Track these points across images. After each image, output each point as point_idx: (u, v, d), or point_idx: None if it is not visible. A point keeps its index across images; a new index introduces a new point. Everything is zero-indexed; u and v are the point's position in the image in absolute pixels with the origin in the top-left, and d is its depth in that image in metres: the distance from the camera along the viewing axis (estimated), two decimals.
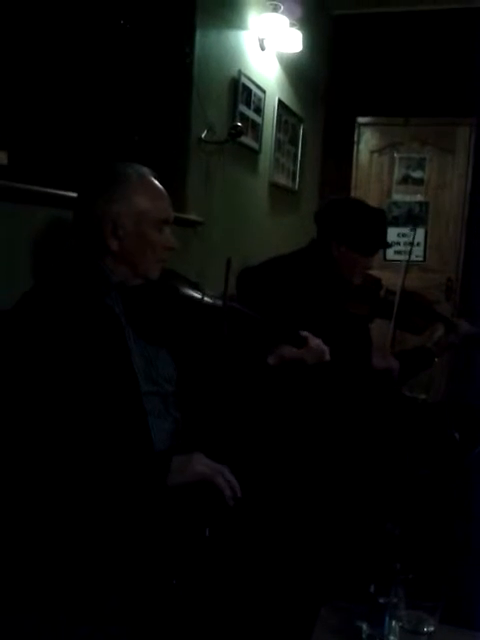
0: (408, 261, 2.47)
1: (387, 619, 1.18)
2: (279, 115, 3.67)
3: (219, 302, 1.50)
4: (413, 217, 4.55)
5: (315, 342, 1.67)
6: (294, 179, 4.10)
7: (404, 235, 4.54)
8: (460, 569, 1.33)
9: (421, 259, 4.44)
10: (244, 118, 3.14)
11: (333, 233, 2.15)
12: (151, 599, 1.22)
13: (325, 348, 1.69)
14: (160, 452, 1.38)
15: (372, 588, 1.19)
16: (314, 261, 2.15)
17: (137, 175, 1.46)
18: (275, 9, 3.21)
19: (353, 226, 2.13)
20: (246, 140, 3.19)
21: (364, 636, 1.20)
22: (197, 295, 1.54)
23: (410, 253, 2.63)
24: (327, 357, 1.70)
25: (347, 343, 1.95)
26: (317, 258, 2.15)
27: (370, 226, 2.15)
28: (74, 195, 1.55)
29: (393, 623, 1.18)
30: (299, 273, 2.09)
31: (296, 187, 4.12)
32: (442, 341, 2.35)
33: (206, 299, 1.52)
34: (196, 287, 1.58)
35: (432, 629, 1.15)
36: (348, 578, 1.31)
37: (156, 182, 1.50)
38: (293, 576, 1.34)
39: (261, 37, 3.26)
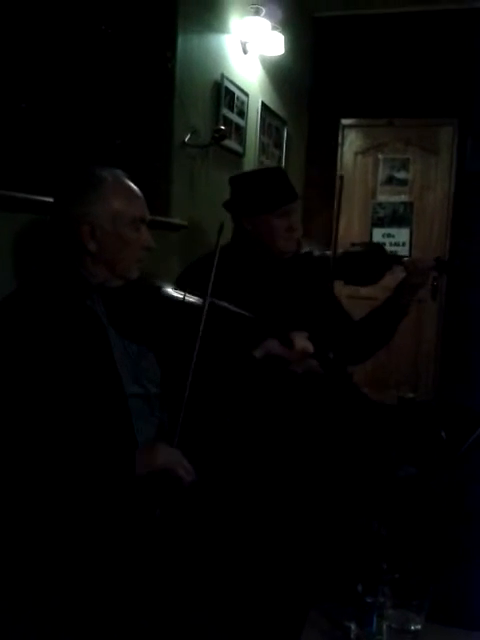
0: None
1: (375, 619, 1.19)
2: (263, 118, 3.69)
3: (201, 301, 1.51)
4: (397, 218, 4.58)
5: (301, 343, 1.67)
6: None
7: (390, 235, 4.59)
8: (446, 567, 1.34)
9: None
10: (227, 121, 3.15)
11: (237, 210, 2.07)
12: (137, 600, 1.22)
13: (307, 342, 1.68)
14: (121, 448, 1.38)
15: (359, 588, 1.20)
16: (239, 246, 2.07)
17: (112, 177, 1.48)
18: (257, 12, 3.22)
19: (247, 191, 2.04)
20: (230, 143, 3.20)
21: (352, 636, 1.21)
22: (179, 294, 1.54)
23: (339, 204, 2.42)
24: (311, 350, 1.70)
25: (312, 319, 1.91)
26: (240, 242, 2.07)
27: (262, 183, 2.04)
28: None
29: (381, 622, 1.18)
30: (231, 262, 1.96)
31: None
32: (405, 286, 2.11)
33: (188, 298, 1.52)
34: (179, 282, 1.58)
35: (419, 627, 1.16)
36: (336, 579, 1.31)
37: (130, 183, 1.52)
38: (281, 578, 1.35)
39: (243, 40, 3.27)
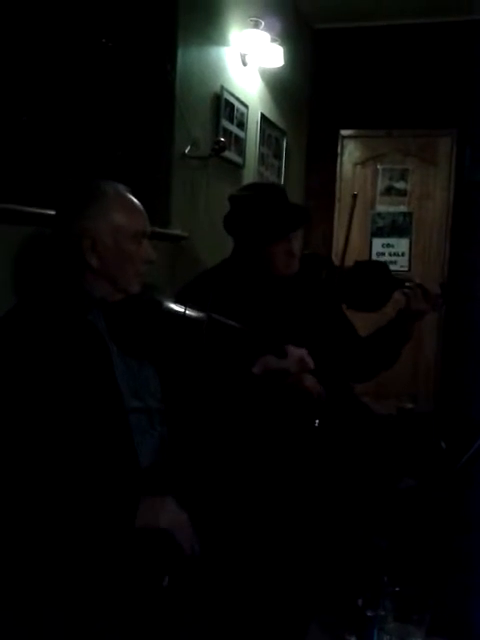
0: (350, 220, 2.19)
1: (375, 632, 1.18)
2: (262, 129, 3.71)
3: (201, 315, 1.51)
4: (397, 228, 4.59)
5: (296, 352, 1.66)
6: None
7: (389, 245, 4.60)
8: (447, 580, 1.34)
9: (406, 269, 4.49)
10: (227, 133, 3.17)
11: (238, 236, 2.05)
12: (137, 616, 1.22)
13: (307, 358, 1.67)
14: (129, 493, 1.34)
15: (360, 602, 1.20)
16: (239, 263, 2.05)
17: (113, 191, 1.49)
18: (256, 25, 3.25)
19: (249, 221, 1.98)
20: (230, 155, 3.22)
21: None
22: (179, 309, 1.54)
23: (349, 223, 2.27)
24: (310, 366, 1.69)
25: (315, 336, 1.89)
26: (240, 260, 2.05)
27: (265, 214, 1.97)
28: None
29: (382, 636, 1.18)
30: (232, 278, 1.99)
31: None
32: (408, 312, 2.04)
33: (188, 312, 1.52)
34: (178, 301, 1.58)
35: None
36: (336, 592, 1.31)
37: (131, 197, 1.52)
38: (281, 592, 1.34)
39: (243, 53, 3.30)
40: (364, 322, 2.23)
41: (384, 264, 2.18)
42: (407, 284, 2.06)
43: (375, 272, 2.13)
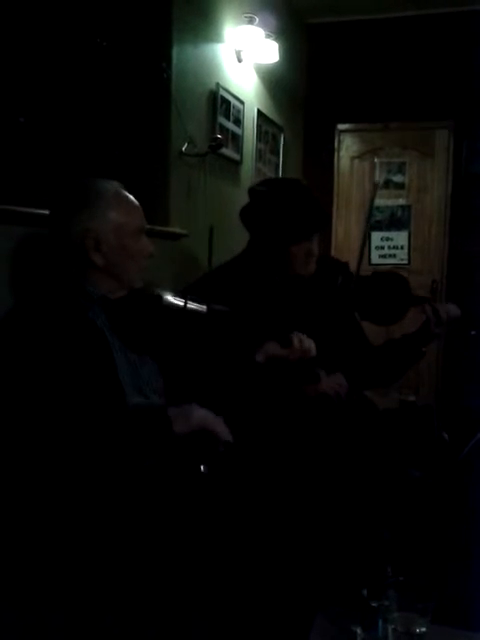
0: (366, 231, 2.12)
1: (380, 622, 1.20)
2: (259, 125, 3.71)
3: (202, 308, 1.53)
4: (395, 221, 4.59)
5: (298, 340, 1.65)
6: None
7: (388, 239, 4.60)
8: (450, 569, 1.35)
9: (405, 262, 4.49)
10: (224, 130, 3.17)
11: (257, 233, 2.00)
12: (143, 608, 1.23)
13: (310, 344, 1.66)
14: (154, 407, 1.42)
15: (365, 592, 1.21)
16: (254, 257, 2.01)
17: (110, 190, 1.51)
18: (250, 21, 3.25)
19: (271, 220, 1.93)
20: (227, 152, 3.22)
21: None
22: (180, 302, 1.55)
23: (368, 219, 2.20)
24: (313, 353, 1.68)
25: (326, 334, 1.87)
26: (256, 254, 2.01)
27: (289, 213, 1.92)
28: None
29: (386, 626, 1.19)
30: (246, 273, 1.97)
31: None
32: (424, 333, 2.02)
33: (189, 305, 1.53)
34: (179, 294, 1.59)
35: (424, 630, 1.16)
36: (341, 584, 1.32)
37: (127, 194, 1.55)
38: (287, 584, 1.36)
39: (238, 49, 3.30)
40: (374, 335, 2.21)
41: (404, 279, 2.12)
42: (427, 307, 2.02)
43: (393, 286, 2.08)
